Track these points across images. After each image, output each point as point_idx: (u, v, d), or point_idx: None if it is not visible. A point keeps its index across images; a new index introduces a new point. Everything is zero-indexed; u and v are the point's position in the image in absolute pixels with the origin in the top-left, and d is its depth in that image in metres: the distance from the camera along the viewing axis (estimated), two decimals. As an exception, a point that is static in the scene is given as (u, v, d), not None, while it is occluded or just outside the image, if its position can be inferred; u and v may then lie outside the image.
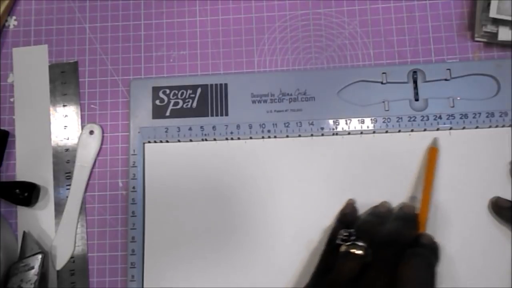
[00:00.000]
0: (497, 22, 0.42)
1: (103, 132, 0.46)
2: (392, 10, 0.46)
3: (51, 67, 0.47)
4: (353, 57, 0.46)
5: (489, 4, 0.41)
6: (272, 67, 0.46)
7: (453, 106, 0.43)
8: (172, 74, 0.47)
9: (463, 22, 0.45)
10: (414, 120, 0.43)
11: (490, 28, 0.43)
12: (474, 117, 0.42)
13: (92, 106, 0.47)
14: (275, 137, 0.44)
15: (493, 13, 0.41)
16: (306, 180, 0.43)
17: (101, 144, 0.46)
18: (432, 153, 0.42)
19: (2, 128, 0.46)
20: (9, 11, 0.49)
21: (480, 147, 0.42)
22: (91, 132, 0.45)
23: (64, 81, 0.47)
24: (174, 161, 0.44)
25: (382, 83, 0.44)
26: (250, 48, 0.47)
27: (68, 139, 0.46)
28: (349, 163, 0.43)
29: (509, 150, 0.42)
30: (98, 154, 0.46)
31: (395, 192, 0.42)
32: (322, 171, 0.43)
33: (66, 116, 0.46)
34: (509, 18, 0.41)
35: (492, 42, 0.44)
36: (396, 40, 0.46)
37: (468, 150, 0.42)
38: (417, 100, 0.43)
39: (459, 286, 0.40)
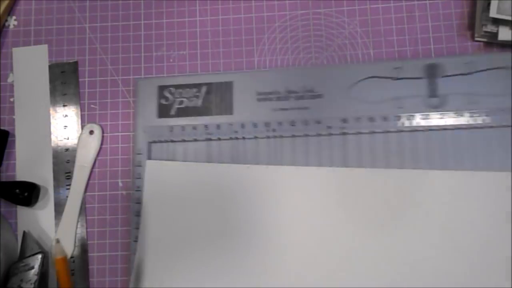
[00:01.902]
0: (497, 22, 0.42)
1: (103, 132, 0.46)
2: (392, 10, 0.46)
3: (51, 67, 0.47)
4: (353, 57, 0.46)
5: (489, 4, 0.41)
6: (272, 67, 0.46)
7: (473, 103, 0.42)
8: (172, 74, 0.47)
9: (463, 22, 0.45)
10: (430, 118, 0.42)
11: (490, 28, 0.43)
12: (496, 114, 0.41)
13: (92, 106, 0.47)
14: (281, 136, 0.43)
15: (493, 13, 0.41)
16: (313, 211, 0.42)
17: (101, 144, 0.46)
18: (60, 263, 0.40)
19: (2, 128, 0.46)
20: (9, 11, 0.49)
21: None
22: (91, 132, 0.45)
23: (64, 81, 0.47)
24: (177, 180, 0.44)
25: (395, 78, 0.43)
26: (250, 48, 0.47)
27: (68, 139, 0.46)
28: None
29: None
30: (98, 154, 0.46)
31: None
32: (329, 202, 0.42)
33: (66, 116, 0.46)
34: (509, 18, 0.41)
35: (492, 42, 0.44)
36: (396, 40, 0.46)
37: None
38: (434, 96, 0.42)
39: None
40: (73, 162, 0.45)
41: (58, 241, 0.43)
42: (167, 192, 0.43)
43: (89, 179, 0.45)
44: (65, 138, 0.46)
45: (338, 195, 0.42)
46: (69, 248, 0.44)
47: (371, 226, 0.41)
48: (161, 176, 0.44)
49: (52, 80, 0.47)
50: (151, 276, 0.42)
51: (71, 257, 0.44)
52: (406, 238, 0.41)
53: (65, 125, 0.46)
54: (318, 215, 0.42)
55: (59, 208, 0.45)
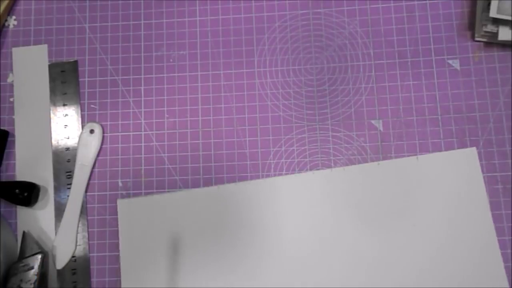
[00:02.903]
0: (497, 22, 0.42)
1: (103, 131, 0.46)
2: (392, 10, 0.46)
3: (51, 66, 0.47)
4: (353, 57, 0.46)
5: (489, 4, 0.42)
6: (272, 67, 0.46)
7: None
8: (172, 74, 0.47)
9: (463, 22, 0.45)
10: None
11: (490, 28, 0.43)
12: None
13: (92, 106, 0.47)
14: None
15: (493, 13, 0.41)
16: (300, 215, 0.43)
17: (101, 143, 0.46)
18: None
19: (2, 128, 0.46)
20: (9, 11, 0.49)
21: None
22: (92, 131, 0.45)
23: (64, 80, 0.47)
24: (150, 215, 0.44)
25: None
26: (250, 48, 0.47)
27: (68, 138, 0.46)
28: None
29: None
30: (98, 154, 0.45)
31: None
32: (313, 204, 0.43)
33: (66, 115, 0.46)
34: (509, 18, 0.41)
35: (492, 42, 0.44)
36: (396, 40, 0.46)
37: None
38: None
39: None
40: (74, 161, 0.45)
41: None
42: (142, 229, 0.44)
43: (89, 178, 0.45)
44: (65, 138, 0.46)
45: (323, 196, 0.43)
46: (71, 247, 0.44)
47: (362, 222, 0.42)
48: (134, 214, 0.44)
49: (52, 80, 0.47)
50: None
51: (73, 256, 0.44)
52: (401, 232, 0.42)
53: (66, 125, 0.46)
54: (305, 218, 0.43)
55: (60, 207, 0.45)
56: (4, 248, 0.43)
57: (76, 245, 0.44)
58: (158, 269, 0.43)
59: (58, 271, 0.44)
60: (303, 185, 0.43)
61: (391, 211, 0.42)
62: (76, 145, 0.46)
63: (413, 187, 0.42)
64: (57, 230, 0.45)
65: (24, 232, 0.44)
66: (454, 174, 0.42)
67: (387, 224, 0.42)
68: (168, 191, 0.44)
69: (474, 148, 0.43)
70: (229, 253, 0.43)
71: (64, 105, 0.47)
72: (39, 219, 0.45)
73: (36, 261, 0.42)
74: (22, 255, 0.43)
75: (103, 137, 0.46)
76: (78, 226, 0.44)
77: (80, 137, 0.46)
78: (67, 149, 0.46)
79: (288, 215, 0.43)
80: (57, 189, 0.45)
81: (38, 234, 0.45)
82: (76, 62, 0.47)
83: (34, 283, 0.41)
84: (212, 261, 0.43)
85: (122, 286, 0.43)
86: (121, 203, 0.44)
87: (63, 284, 0.44)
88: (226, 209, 0.43)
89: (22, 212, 0.45)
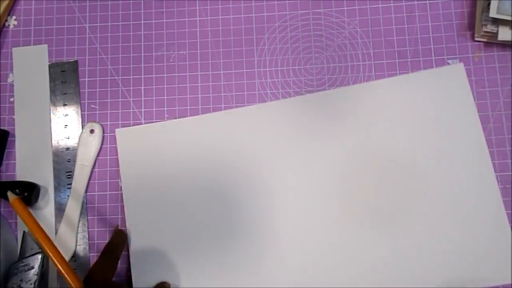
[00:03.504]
0: (497, 22, 0.42)
1: (103, 131, 0.46)
2: (392, 10, 0.46)
3: (51, 66, 0.47)
4: (353, 57, 0.46)
5: (489, 4, 0.42)
6: (272, 67, 0.46)
7: None
8: (172, 74, 0.47)
9: (463, 22, 0.45)
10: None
11: (490, 28, 0.43)
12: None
13: (92, 106, 0.47)
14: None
15: (493, 13, 0.41)
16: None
17: (102, 143, 0.46)
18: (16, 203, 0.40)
19: (2, 128, 0.46)
20: (9, 11, 0.49)
21: None
22: (92, 131, 0.45)
23: (64, 80, 0.47)
24: (149, 143, 0.44)
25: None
26: (250, 48, 0.47)
27: (68, 138, 0.46)
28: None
29: None
30: (98, 154, 0.45)
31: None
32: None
33: (66, 115, 0.46)
34: (509, 18, 0.41)
35: (492, 42, 0.44)
36: (396, 40, 0.46)
37: None
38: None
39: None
40: (74, 161, 0.45)
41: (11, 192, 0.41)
42: (142, 158, 0.44)
43: (89, 178, 0.45)
44: (65, 137, 0.46)
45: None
46: (71, 247, 0.44)
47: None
48: (133, 143, 0.44)
49: (52, 79, 0.47)
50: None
51: (73, 256, 0.44)
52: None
53: (66, 124, 0.46)
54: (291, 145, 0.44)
55: (60, 207, 0.45)
56: (4, 248, 0.43)
57: (76, 245, 0.44)
58: (160, 199, 0.43)
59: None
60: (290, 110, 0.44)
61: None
62: (76, 145, 0.46)
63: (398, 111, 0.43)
64: (57, 230, 0.45)
65: (24, 232, 0.44)
66: (440, 93, 0.43)
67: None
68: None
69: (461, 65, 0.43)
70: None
71: (64, 105, 0.47)
72: (39, 219, 0.45)
73: (36, 261, 0.42)
74: (22, 255, 0.43)
75: (103, 137, 0.46)
76: (78, 226, 0.44)
77: (80, 137, 0.46)
78: (67, 149, 0.46)
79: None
80: (57, 189, 0.45)
81: (38, 234, 0.45)
82: (76, 62, 0.47)
83: (34, 283, 0.41)
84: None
85: (127, 224, 0.43)
86: (120, 133, 0.45)
87: (63, 284, 0.44)
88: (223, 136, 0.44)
89: (22, 212, 0.45)
